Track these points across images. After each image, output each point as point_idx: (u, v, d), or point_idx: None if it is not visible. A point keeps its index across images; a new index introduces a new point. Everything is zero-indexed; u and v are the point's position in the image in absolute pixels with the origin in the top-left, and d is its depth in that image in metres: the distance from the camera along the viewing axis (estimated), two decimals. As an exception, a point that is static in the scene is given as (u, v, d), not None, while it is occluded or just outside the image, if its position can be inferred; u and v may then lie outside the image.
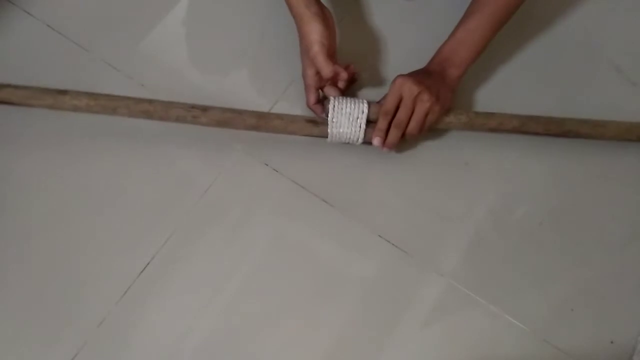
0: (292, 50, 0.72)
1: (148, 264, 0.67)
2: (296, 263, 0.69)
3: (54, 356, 0.63)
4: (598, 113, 0.74)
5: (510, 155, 0.76)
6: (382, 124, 0.68)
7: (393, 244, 0.70)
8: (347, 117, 0.68)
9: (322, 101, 0.72)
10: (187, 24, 0.81)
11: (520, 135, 0.73)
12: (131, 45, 0.78)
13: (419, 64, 0.72)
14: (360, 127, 0.69)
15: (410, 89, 0.67)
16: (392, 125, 0.68)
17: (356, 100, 0.69)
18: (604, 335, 0.68)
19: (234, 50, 0.79)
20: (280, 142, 0.74)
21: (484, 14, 0.70)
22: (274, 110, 0.76)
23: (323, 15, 0.67)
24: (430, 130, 0.71)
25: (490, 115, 0.72)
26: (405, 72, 0.70)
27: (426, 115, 0.68)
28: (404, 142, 0.71)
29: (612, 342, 0.68)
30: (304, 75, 0.71)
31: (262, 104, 0.75)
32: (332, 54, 0.69)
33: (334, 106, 0.68)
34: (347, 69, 0.71)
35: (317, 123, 0.70)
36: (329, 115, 0.68)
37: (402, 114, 0.67)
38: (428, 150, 0.75)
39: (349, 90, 0.75)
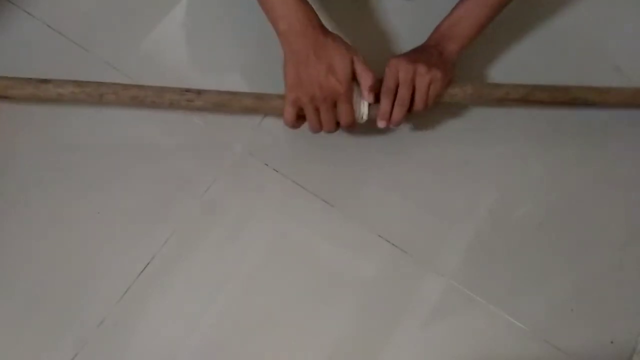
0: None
1: (148, 264, 0.67)
2: (296, 263, 0.69)
3: (54, 356, 0.63)
4: (599, 112, 0.74)
5: (511, 155, 0.76)
6: (385, 105, 0.66)
7: (393, 244, 0.70)
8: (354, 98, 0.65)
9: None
10: (186, 24, 0.81)
11: (520, 133, 0.72)
12: (131, 45, 0.78)
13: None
14: (362, 102, 0.66)
15: (405, 69, 0.64)
16: (396, 104, 0.66)
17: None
18: (604, 335, 0.68)
19: (234, 51, 0.79)
20: (280, 142, 0.74)
21: None
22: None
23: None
24: (436, 103, 0.68)
25: (497, 85, 0.70)
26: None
27: (429, 86, 0.65)
28: (412, 118, 0.69)
29: (612, 342, 0.68)
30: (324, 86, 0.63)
31: (262, 104, 0.75)
32: None
33: None
34: None
35: None
36: None
37: (403, 92, 0.65)
38: (428, 150, 0.75)
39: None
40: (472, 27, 0.69)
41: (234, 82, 0.77)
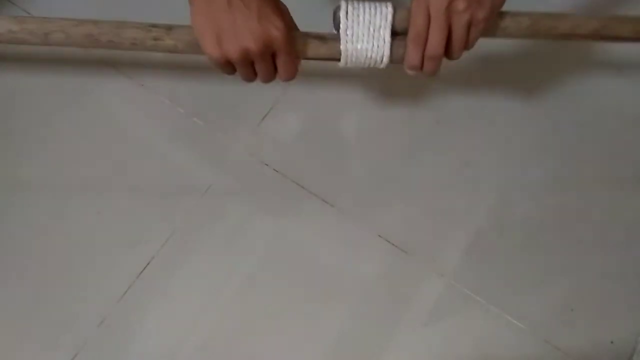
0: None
1: (148, 264, 0.67)
2: (296, 263, 0.69)
3: (54, 356, 0.63)
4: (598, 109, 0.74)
5: (511, 155, 0.76)
6: (413, 56, 0.52)
7: (393, 244, 0.70)
8: (367, 27, 0.51)
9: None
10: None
11: (520, 133, 0.72)
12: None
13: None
14: (384, 40, 0.51)
15: (438, 4, 0.49)
16: (426, 57, 0.52)
17: (376, 4, 0.51)
18: (604, 335, 0.68)
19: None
20: (280, 142, 0.74)
21: None
22: (274, 111, 0.75)
23: None
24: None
25: (561, 17, 0.56)
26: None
27: (468, 28, 0.51)
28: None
29: (612, 342, 0.68)
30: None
31: (264, 104, 0.75)
32: None
33: (348, 13, 0.50)
34: None
35: (324, 39, 0.53)
36: (341, 26, 0.51)
37: (435, 39, 0.50)
38: (428, 150, 0.75)
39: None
40: None
41: (235, 81, 0.77)
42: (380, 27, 0.51)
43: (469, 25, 0.50)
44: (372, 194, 0.73)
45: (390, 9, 0.51)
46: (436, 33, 0.50)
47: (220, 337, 0.65)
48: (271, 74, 0.53)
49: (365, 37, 0.51)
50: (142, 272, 0.67)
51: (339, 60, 0.53)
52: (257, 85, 0.76)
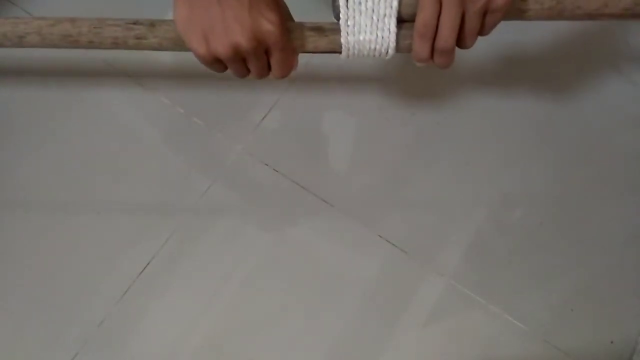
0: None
1: (148, 264, 0.67)
2: (296, 263, 0.69)
3: (54, 356, 0.63)
4: (599, 108, 0.74)
5: (511, 154, 0.76)
6: (421, 49, 0.46)
7: (393, 244, 0.70)
8: (370, 16, 0.46)
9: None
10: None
11: (520, 133, 0.72)
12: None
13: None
14: (389, 30, 0.46)
15: None
16: (436, 50, 0.46)
17: None
18: (604, 335, 0.68)
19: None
20: (280, 142, 0.74)
21: None
22: (274, 110, 0.75)
23: None
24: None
25: None
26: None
27: (484, 16, 0.45)
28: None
29: (612, 342, 0.68)
30: None
31: (264, 104, 0.75)
32: None
33: (348, 0, 0.45)
34: None
35: (323, 30, 0.48)
36: (341, 16, 0.46)
37: (446, 30, 0.44)
38: (428, 150, 0.75)
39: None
40: None
41: (235, 82, 0.77)
42: (384, 15, 0.46)
43: (484, 12, 0.45)
44: (372, 194, 0.73)
45: None
46: (447, 23, 0.44)
47: (220, 337, 0.65)
48: (265, 71, 0.49)
49: (369, 27, 0.46)
50: (142, 272, 0.67)
51: (340, 52, 0.49)
52: (257, 85, 0.77)
